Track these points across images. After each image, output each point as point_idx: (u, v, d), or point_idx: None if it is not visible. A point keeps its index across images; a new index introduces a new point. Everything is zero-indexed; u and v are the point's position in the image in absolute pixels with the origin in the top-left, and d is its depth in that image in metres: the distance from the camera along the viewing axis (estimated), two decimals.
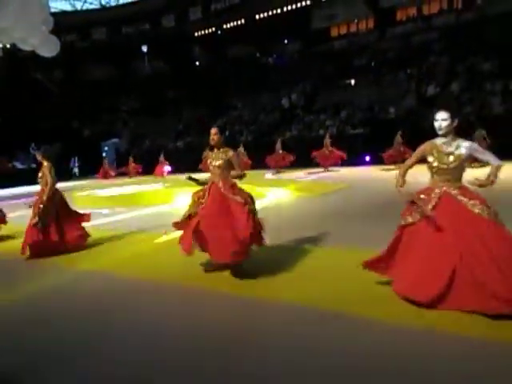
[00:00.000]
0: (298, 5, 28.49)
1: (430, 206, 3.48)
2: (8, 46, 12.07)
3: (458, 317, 3.15)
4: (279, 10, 29.20)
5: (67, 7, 34.57)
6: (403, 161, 8.55)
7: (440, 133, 3.50)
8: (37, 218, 6.17)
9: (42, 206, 6.29)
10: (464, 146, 3.45)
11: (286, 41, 30.35)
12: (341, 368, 2.67)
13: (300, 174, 15.56)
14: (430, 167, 3.58)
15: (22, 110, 27.88)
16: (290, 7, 28.85)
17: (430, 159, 3.56)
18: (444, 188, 3.50)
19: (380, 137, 16.02)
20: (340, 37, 28.24)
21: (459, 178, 3.53)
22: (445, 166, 3.48)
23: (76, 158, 28.31)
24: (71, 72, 33.24)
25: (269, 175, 16.11)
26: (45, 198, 6.32)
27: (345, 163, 16.34)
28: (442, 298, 3.24)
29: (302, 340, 3.07)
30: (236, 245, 4.44)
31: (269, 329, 3.30)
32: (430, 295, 3.25)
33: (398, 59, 22.47)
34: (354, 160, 16.88)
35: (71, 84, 32.29)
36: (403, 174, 3.75)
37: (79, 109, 30.23)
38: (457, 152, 3.45)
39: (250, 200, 4.78)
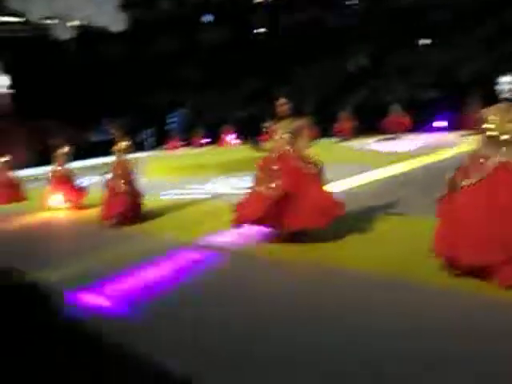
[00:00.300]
0: None
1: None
2: (79, 22, 12.56)
3: None
4: None
5: None
6: None
7: (504, 96, 3.15)
8: (126, 187, 6.53)
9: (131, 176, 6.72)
10: None
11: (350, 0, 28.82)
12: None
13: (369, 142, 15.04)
14: (488, 136, 3.26)
15: (93, 85, 29.20)
16: None
17: (489, 126, 3.23)
18: (501, 159, 3.17)
19: (456, 100, 14.96)
20: None
21: None
22: (505, 136, 3.15)
23: (148, 131, 29.26)
24: (139, 45, 34.05)
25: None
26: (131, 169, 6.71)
27: (418, 129, 15.49)
28: None
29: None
30: (316, 211, 4.45)
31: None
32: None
33: (478, 16, 20.55)
34: (427, 125, 15.96)
35: (139, 56, 33.14)
36: None
37: (147, 81, 31.08)
38: None
39: (320, 169, 4.79)
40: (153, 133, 29.09)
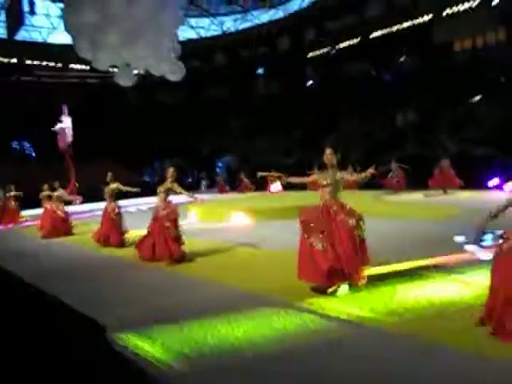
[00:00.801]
0: (416, 21, 27.35)
1: None
2: (142, 71, 13.46)
3: None
4: (395, 28, 28.33)
5: (192, 35, 37.43)
6: None
7: None
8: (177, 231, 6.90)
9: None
10: None
11: (402, 57, 29.27)
12: None
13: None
14: None
15: (150, 131, 30.84)
16: (407, 23, 27.83)
17: None
18: None
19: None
20: (464, 51, 26.37)
21: None
22: None
23: (203, 173, 29.92)
24: (193, 94, 35.86)
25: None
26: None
27: (469, 186, 14.96)
28: None
29: None
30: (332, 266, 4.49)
31: None
32: None
33: None
34: (478, 183, 15.42)
35: (193, 104, 34.83)
36: None
37: (199, 127, 32.42)
38: None
39: (359, 223, 4.68)
40: (206, 175, 29.83)
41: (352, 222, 4.61)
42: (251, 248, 7.67)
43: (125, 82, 11.49)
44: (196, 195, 7.56)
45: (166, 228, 6.82)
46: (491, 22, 24.49)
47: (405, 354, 3.26)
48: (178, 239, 6.85)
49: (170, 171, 7.15)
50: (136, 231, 8.67)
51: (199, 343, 3.63)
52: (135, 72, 12.13)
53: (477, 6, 24.05)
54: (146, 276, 6.32)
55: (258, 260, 6.81)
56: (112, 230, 8.76)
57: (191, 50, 30.89)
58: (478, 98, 21.52)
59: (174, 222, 6.91)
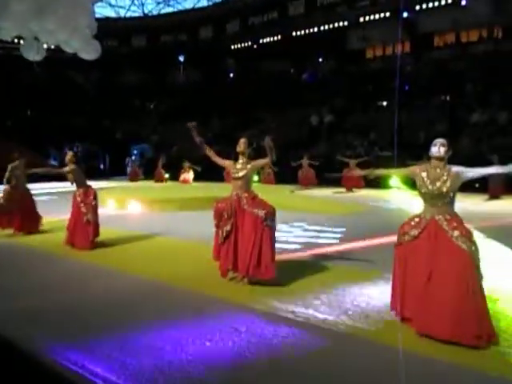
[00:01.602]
0: (336, 25, 28.61)
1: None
2: (52, 47, 12.54)
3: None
4: (316, 29, 29.38)
5: (111, 14, 35.70)
6: None
7: (436, 156, 3.49)
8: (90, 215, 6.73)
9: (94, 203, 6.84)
10: (453, 172, 3.44)
11: (320, 59, 30.48)
12: None
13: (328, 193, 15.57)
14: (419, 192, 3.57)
15: (58, 108, 28.82)
16: (327, 26, 29.00)
17: (418, 183, 3.55)
18: (431, 215, 3.46)
19: (408, 160, 15.80)
20: (375, 58, 28.17)
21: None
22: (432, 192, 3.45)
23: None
24: (108, 75, 34.19)
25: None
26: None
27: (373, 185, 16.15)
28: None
29: None
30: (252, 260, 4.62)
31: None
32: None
33: (432, 84, 22.26)
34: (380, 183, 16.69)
35: (108, 87, 33.20)
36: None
37: (112, 110, 31.01)
38: (444, 178, 3.43)
39: (270, 215, 4.81)
40: (112, 161, 28.56)
41: (261, 213, 4.73)
42: (162, 237, 7.63)
43: (32, 56, 10.63)
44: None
45: (81, 213, 6.72)
46: (398, 34, 26.38)
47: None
48: (91, 224, 6.69)
49: (69, 155, 7.05)
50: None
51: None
52: (45, 46, 11.26)
53: (389, 17, 25.75)
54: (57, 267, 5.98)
55: (165, 249, 6.76)
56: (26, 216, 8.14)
57: (108, 30, 29.44)
58: (384, 103, 23.17)
59: (91, 206, 6.74)
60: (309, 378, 2.87)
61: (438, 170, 3.49)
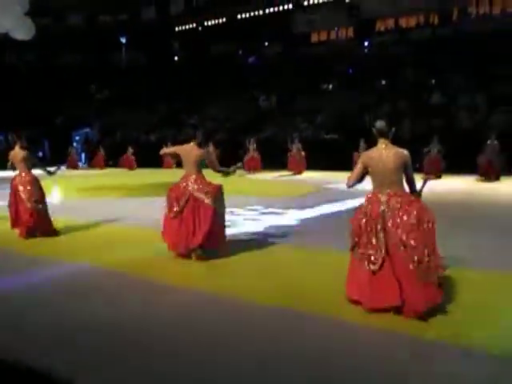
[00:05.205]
0: (280, 8, 28.57)
1: None
2: None
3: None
4: (261, 12, 29.20)
5: None
6: None
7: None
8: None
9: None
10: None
11: (266, 43, 30.40)
12: None
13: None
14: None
15: None
16: (271, 9, 28.89)
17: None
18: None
19: (353, 143, 16.29)
20: (320, 43, 28.51)
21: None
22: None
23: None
24: (45, 56, 32.30)
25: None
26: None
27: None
28: None
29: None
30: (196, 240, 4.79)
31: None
32: None
33: (375, 69, 22.92)
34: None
35: (45, 69, 31.38)
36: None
37: (52, 95, 29.41)
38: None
39: (218, 197, 4.94)
40: (52, 148, 27.20)
41: (208, 199, 4.83)
42: (112, 225, 7.40)
43: None
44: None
45: (21, 200, 6.37)
46: (343, 19, 26.87)
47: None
48: (31, 213, 6.36)
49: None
50: None
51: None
52: None
53: (332, 1, 26.11)
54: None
55: (118, 237, 6.59)
56: None
57: (41, 7, 27.64)
58: (329, 86, 23.66)
59: (31, 193, 6.39)
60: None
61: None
